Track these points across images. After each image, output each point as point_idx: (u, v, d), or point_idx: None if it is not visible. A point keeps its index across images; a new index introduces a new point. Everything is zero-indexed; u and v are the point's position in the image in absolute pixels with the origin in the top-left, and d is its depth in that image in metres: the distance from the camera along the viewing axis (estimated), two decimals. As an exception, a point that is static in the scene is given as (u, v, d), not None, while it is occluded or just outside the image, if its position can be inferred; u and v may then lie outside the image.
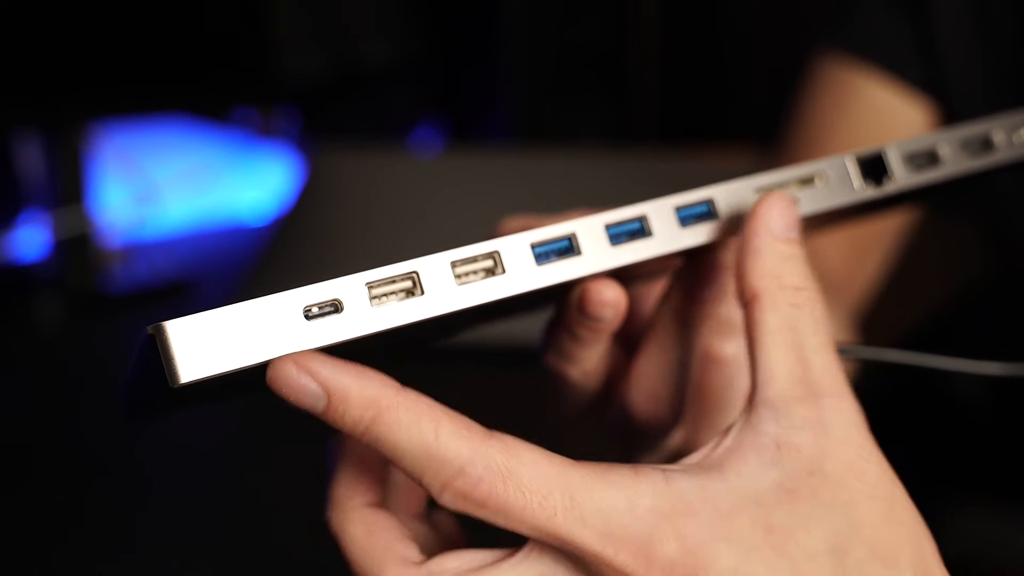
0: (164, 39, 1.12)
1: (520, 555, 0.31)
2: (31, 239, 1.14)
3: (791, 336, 0.31)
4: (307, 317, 0.30)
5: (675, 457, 0.44)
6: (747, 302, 0.32)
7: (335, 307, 0.30)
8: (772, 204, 0.33)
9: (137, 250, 1.18)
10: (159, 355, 0.28)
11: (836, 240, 0.65)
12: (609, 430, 0.44)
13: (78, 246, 1.10)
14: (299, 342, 0.29)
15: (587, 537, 0.29)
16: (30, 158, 1.12)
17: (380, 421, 0.29)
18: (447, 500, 0.29)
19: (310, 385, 0.29)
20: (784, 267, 0.32)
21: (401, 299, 0.31)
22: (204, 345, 0.28)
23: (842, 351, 0.45)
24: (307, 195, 1.16)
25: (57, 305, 1.07)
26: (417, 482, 0.30)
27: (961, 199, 0.76)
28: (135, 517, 0.77)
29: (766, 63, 1.55)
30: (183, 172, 1.31)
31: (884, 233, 0.70)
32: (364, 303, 0.30)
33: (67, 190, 1.11)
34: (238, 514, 0.77)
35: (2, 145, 1.13)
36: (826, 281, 0.58)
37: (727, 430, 0.32)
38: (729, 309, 0.40)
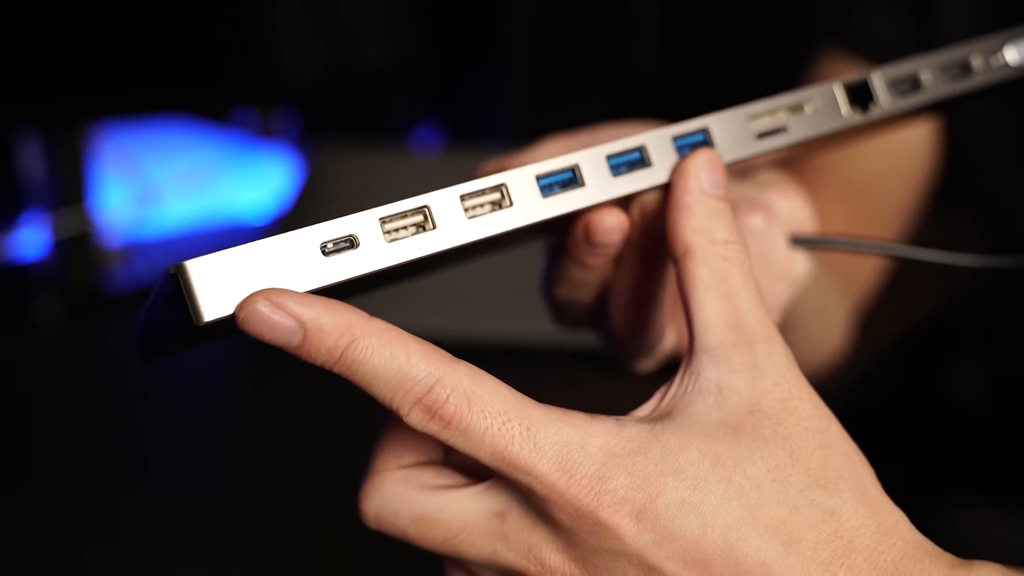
0: (164, 39, 1.12)
1: (482, 486, 0.33)
2: (31, 239, 1.14)
3: (723, 287, 0.33)
4: (324, 253, 0.30)
5: (670, 358, 0.46)
6: (679, 256, 0.34)
7: (351, 242, 0.31)
8: (701, 161, 0.35)
9: (137, 250, 1.18)
10: (182, 294, 0.29)
11: (838, 231, 0.65)
12: (607, 339, 0.46)
13: (78, 246, 1.10)
14: (318, 278, 0.30)
15: (541, 468, 0.30)
16: (30, 158, 1.12)
17: (355, 347, 0.30)
18: (415, 419, 0.30)
19: (284, 320, 0.29)
20: (714, 222, 0.34)
21: (414, 233, 0.32)
22: (226, 283, 0.29)
23: (813, 241, 0.46)
24: (307, 195, 1.16)
25: (57, 305, 1.07)
26: (387, 404, 0.30)
27: (963, 198, 0.76)
28: (135, 517, 0.77)
29: (767, 62, 1.55)
30: (183, 172, 1.31)
31: (886, 233, 0.70)
32: (378, 238, 0.31)
33: (67, 190, 1.11)
34: (238, 513, 0.78)
35: (2, 145, 1.13)
36: (828, 275, 0.58)
37: (671, 380, 0.33)
38: None
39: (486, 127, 1.56)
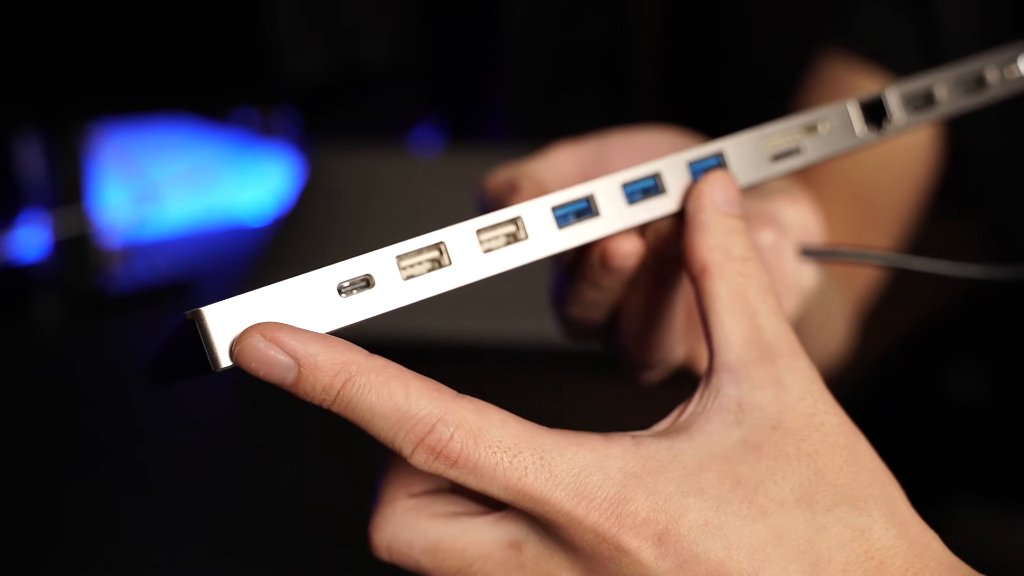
0: (164, 39, 1.12)
1: (497, 515, 0.32)
2: (31, 239, 1.14)
3: (742, 304, 0.33)
4: (340, 293, 0.30)
5: (680, 373, 0.46)
6: (697, 274, 0.34)
7: (367, 282, 0.30)
8: (715, 181, 0.34)
9: (137, 250, 1.17)
10: (199, 340, 0.28)
11: (839, 236, 0.65)
12: (617, 352, 0.45)
13: (78, 246, 1.10)
14: (336, 319, 0.30)
15: (558, 496, 0.29)
16: (30, 158, 1.12)
17: (352, 385, 0.29)
18: (419, 459, 0.29)
19: (279, 356, 0.28)
20: (730, 240, 0.34)
21: (429, 269, 0.31)
22: (242, 328, 0.29)
23: (823, 253, 0.46)
24: (307, 195, 1.16)
25: (57, 305, 1.07)
26: (389, 445, 0.30)
27: (965, 200, 0.76)
28: (136, 517, 0.77)
29: (767, 62, 1.55)
30: (183, 172, 1.31)
31: (888, 233, 0.70)
32: (395, 276, 0.31)
33: (67, 190, 1.11)
34: (238, 514, 0.78)
35: (2, 145, 1.13)
36: (830, 277, 0.58)
37: (689, 398, 0.32)
38: None
39: (486, 127, 1.56)
